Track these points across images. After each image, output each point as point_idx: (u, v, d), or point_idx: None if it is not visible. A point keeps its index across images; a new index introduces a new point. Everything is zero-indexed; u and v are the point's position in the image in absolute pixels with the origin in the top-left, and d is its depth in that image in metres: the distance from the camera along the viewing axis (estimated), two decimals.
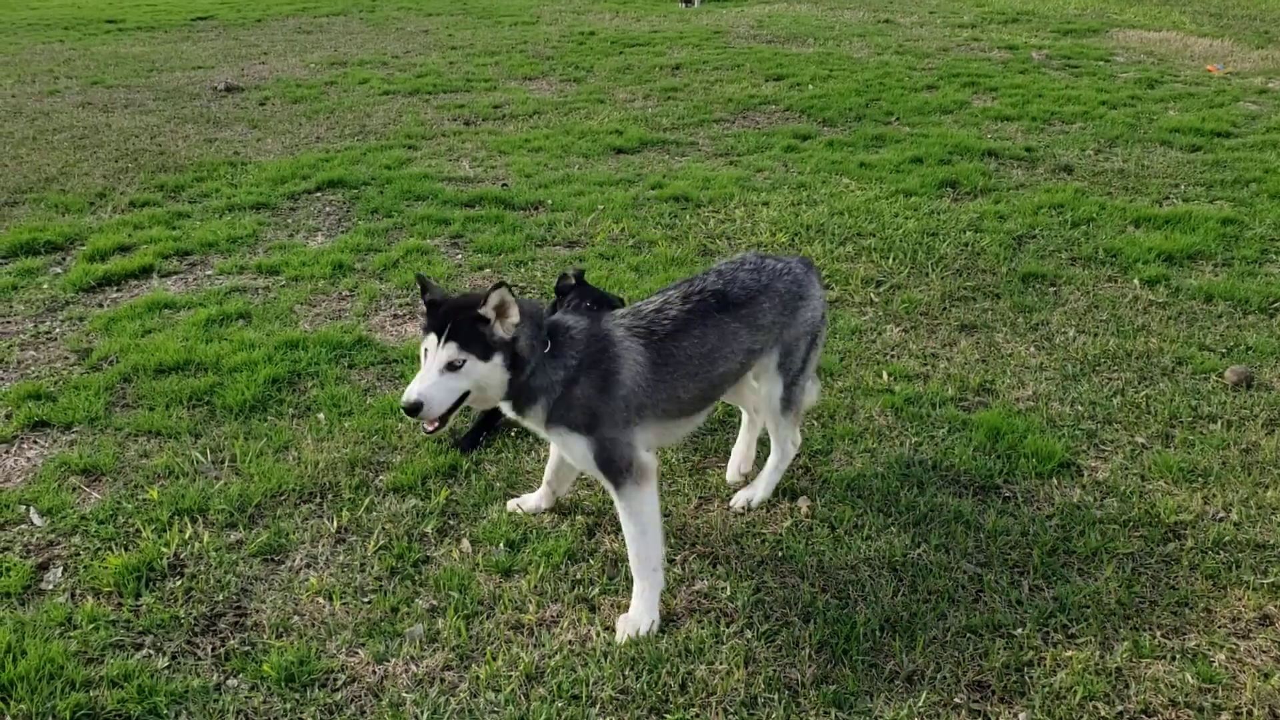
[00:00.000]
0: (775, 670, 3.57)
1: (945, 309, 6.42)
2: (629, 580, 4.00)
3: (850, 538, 4.27)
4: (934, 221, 7.81)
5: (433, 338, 3.56)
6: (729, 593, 3.96)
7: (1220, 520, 4.37)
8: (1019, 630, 3.77)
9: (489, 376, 3.59)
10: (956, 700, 3.46)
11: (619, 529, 4.30)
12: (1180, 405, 5.23)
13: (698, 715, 3.37)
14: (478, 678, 3.52)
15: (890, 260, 7.15)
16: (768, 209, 8.24)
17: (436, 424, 3.58)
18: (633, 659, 3.59)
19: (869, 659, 3.64)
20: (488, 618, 3.82)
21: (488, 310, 3.57)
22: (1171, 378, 5.55)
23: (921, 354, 5.85)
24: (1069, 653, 3.65)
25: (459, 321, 3.55)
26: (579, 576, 4.05)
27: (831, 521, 4.38)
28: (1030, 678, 3.55)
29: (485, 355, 3.55)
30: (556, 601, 3.92)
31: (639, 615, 3.72)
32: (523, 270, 7.13)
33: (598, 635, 3.72)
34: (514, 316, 3.61)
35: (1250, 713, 3.41)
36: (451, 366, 3.52)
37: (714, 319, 3.95)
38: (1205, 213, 7.84)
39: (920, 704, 3.43)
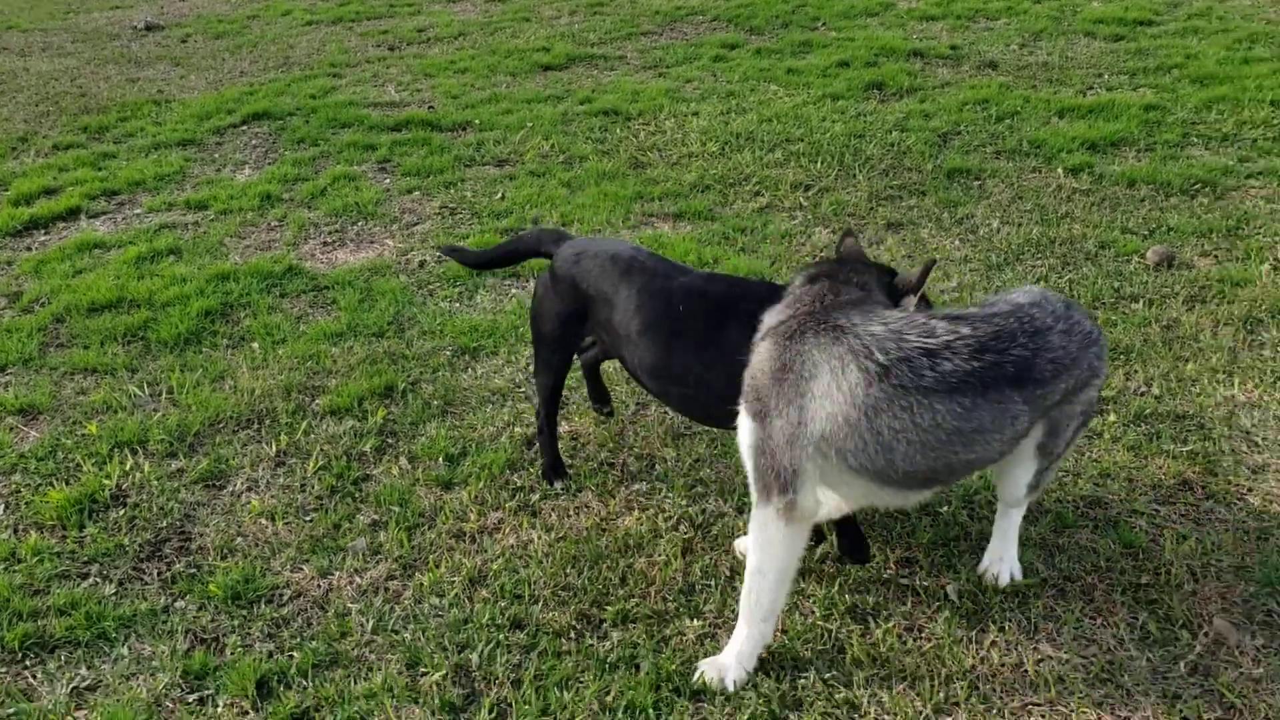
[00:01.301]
0: (711, 559, 3.68)
1: (872, 209, 6.49)
2: (572, 486, 4.09)
3: None
4: (861, 124, 7.85)
5: None
6: (665, 492, 4.05)
7: (1142, 394, 4.50)
8: (944, 508, 3.90)
9: None
10: (885, 575, 3.58)
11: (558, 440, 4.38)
12: (1103, 287, 5.36)
13: (638, 604, 3.47)
14: (421, 585, 3.60)
15: (818, 164, 7.19)
16: (697, 119, 8.23)
17: None
18: (573, 557, 3.68)
19: None
20: (429, 529, 3.89)
21: None
22: (1095, 262, 5.67)
23: None
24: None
25: None
26: (519, 484, 4.12)
27: None
28: (956, 552, 3.68)
29: None
30: (497, 509, 3.99)
31: (727, 662, 3.17)
32: (452, 191, 7.10)
33: (539, 539, 3.80)
34: None
35: (1169, 572, 3.55)
36: None
37: None
38: (1128, 100, 7.93)
39: (851, 581, 3.55)
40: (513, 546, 3.78)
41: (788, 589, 3.18)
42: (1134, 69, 8.82)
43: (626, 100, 8.76)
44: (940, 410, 2.82)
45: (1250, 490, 3.88)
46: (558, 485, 4.09)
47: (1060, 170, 6.85)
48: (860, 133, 7.67)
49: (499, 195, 7.01)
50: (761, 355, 3.05)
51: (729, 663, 3.16)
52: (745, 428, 3.07)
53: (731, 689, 3.11)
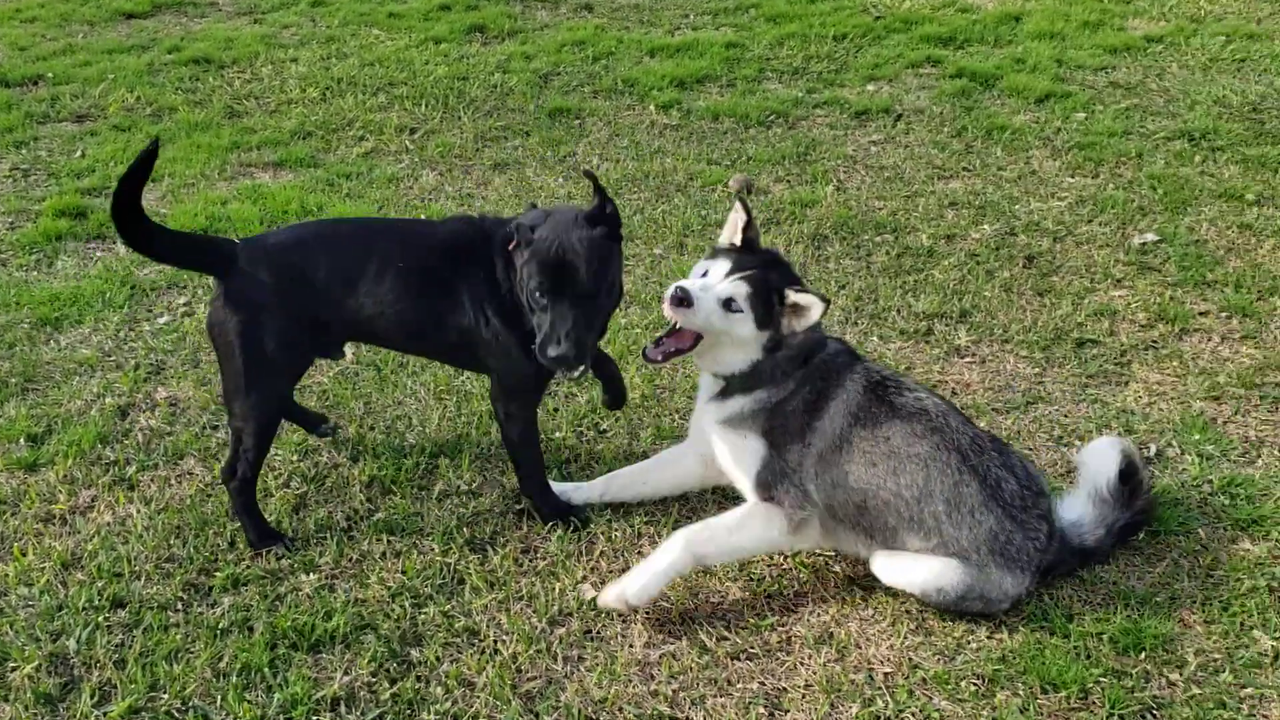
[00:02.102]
0: (326, 512, 3.65)
1: (478, 150, 6.57)
2: (170, 453, 3.91)
3: (396, 375, 4.38)
4: (464, 66, 7.89)
5: (726, 264, 3.30)
6: (274, 450, 3.94)
7: None
8: (557, 434, 4.06)
9: (743, 345, 3.28)
10: (505, 504, 3.70)
11: (155, 407, 4.18)
12: (691, 216, 5.71)
13: (249, 567, 3.40)
14: (6, 575, 3.34)
15: (423, 107, 7.18)
16: (296, 65, 7.99)
17: (668, 349, 3.32)
18: (177, 527, 3.54)
19: (419, 484, 3.80)
20: (13, 515, 3.60)
21: (792, 297, 3.21)
22: (685, 192, 6.03)
23: (458, 195, 5.98)
24: (599, 446, 3.99)
25: (763, 277, 3.24)
26: (113, 459, 3.89)
27: (377, 364, 4.47)
28: (567, 474, 3.85)
29: (762, 324, 3.24)
30: (90, 487, 3.75)
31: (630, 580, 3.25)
32: (24, 151, 6.50)
33: (138, 513, 3.62)
34: (806, 323, 3.25)
35: None
36: (730, 304, 3.22)
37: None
38: (711, 39, 8.43)
39: (469, 513, 3.64)
40: (109, 524, 3.58)
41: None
42: (716, 9, 9.38)
43: (219, 48, 8.33)
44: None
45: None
46: (279, 550, 3.46)
47: (653, 107, 7.21)
48: (464, 75, 7.72)
49: (79, 153, 6.50)
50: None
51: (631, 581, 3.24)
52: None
53: (632, 597, 3.19)
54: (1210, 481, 3.72)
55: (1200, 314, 4.75)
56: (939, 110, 7.10)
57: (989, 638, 3.14)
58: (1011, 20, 8.82)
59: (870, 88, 7.55)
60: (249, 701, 2.92)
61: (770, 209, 5.78)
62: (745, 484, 3.33)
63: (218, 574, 3.36)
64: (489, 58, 8.06)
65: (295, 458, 3.90)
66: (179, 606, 3.25)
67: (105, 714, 2.89)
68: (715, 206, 5.83)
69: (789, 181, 6.16)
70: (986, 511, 3.16)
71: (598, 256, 3.12)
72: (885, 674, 3.04)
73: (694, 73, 7.71)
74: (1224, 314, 4.74)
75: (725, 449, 3.37)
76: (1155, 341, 4.57)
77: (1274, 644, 3.06)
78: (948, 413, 3.28)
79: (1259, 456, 3.86)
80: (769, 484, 3.25)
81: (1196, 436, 3.94)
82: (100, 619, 3.18)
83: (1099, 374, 4.38)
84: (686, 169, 6.29)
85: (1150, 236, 5.39)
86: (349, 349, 4.48)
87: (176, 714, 2.90)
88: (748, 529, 3.26)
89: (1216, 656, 3.04)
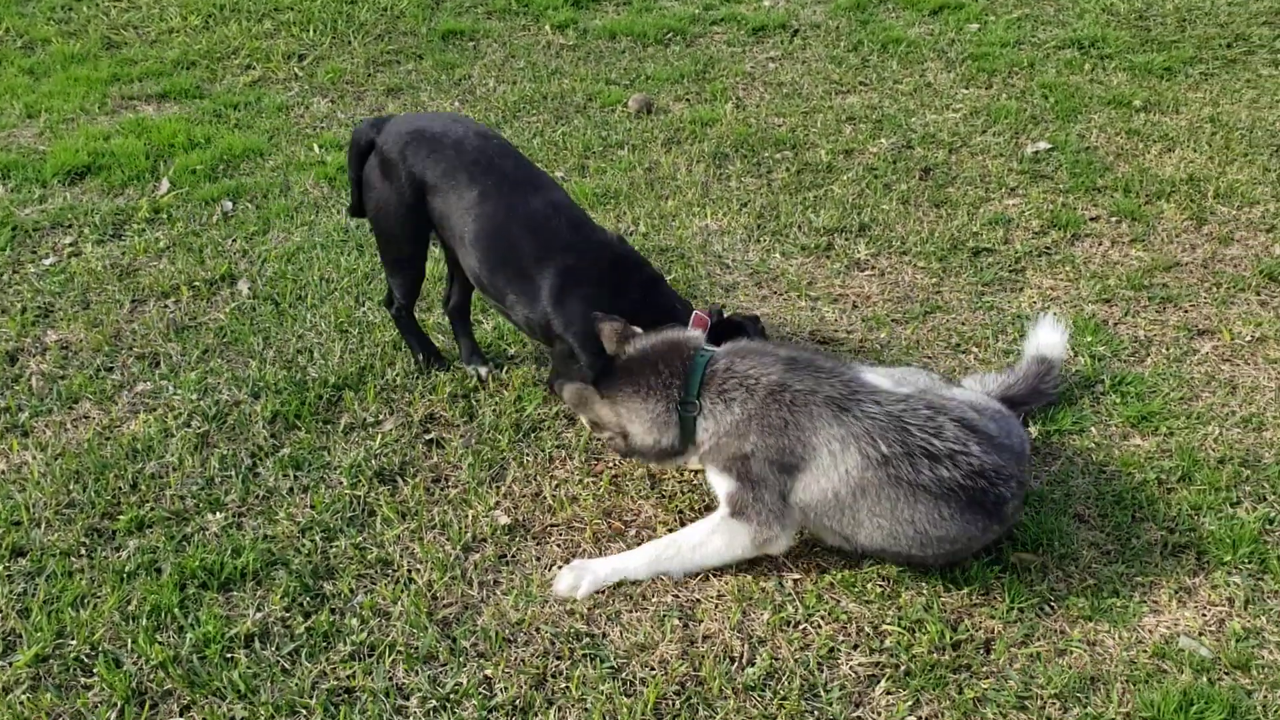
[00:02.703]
0: (230, 449, 3.58)
1: (370, 75, 6.41)
2: (64, 397, 3.80)
3: (295, 309, 4.30)
4: None
5: None
6: (172, 390, 3.86)
7: (631, 234, 4.85)
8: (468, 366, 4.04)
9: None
10: (413, 434, 3.67)
11: (46, 351, 4.06)
12: (592, 138, 5.66)
13: (153, 509, 3.34)
14: None
15: (311, 32, 6.97)
16: None
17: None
18: (76, 472, 3.46)
19: (323, 417, 3.75)
20: None
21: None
22: (584, 113, 5.96)
23: (350, 122, 5.83)
24: (506, 372, 3.98)
25: None
26: (4, 405, 3.78)
27: (275, 298, 4.38)
28: (476, 400, 3.84)
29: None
30: None
31: (597, 567, 3.14)
32: None
33: (34, 459, 3.52)
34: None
35: None
36: None
37: None
38: None
39: (377, 446, 3.61)
40: (3, 472, 3.48)
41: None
42: None
43: None
44: None
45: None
46: (440, 373, 3.97)
47: (548, 27, 7.09)
48: None
49: None
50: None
51: (598, 568, 3.13)
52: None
53: (585, 590, 3.08)
54: (1102, 381, 3.84)
55: (1091, 219, 4.87)
56: (835, 25, 7.10)
57: None
58: None
59: (767, 3, 7.51)
60: (160, 643, 2.88)
61: (670, 128, 5.75)
62: (720, 499, 3.19)
63: (121, 518, 3.29)
64: None
65: (195, 396, 3.82)
66: (82, 552, 3.18)
67: (11, 664, 2.83)
68: (615, 127, 5.78)
69: (688, 100, 6.13)
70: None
71: None
72: (794, 580, 3.11)
73: None
74: (1114, 218, 4.86)
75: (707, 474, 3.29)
76: (1048, 248, 4.68)
77: (1163, 534, 3.20)
78: (964, 444, 2.97)
79: (1147, 355, 4.00)
80: (742, 506, 3.10)
81: (1089, 338, 4.06)
82: (0, 569, 3.11)
83: (994, 281, 4.47)
84: (585, 89, 6.21)
85: (1042, 145, 5.49)
86: (243, 284, 4.40)
87: (86, 659, 2.85)
88: (711, 545, 3.14)
89: (1110, 548, 3.17)
